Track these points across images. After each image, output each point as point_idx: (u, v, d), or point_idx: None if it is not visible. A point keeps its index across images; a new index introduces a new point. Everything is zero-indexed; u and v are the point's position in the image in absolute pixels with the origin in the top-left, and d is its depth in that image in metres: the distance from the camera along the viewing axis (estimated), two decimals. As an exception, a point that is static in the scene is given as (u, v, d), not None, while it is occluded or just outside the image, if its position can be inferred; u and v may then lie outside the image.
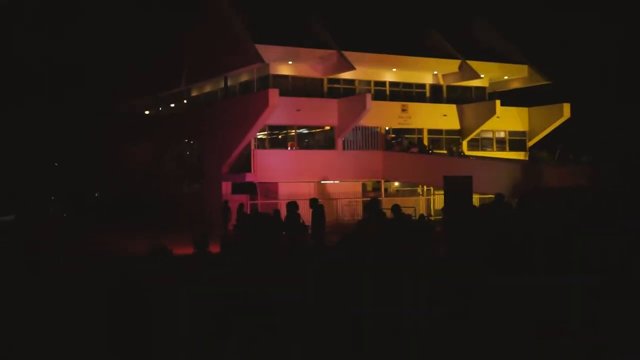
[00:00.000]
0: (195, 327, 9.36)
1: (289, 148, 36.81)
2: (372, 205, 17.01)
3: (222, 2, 37.02)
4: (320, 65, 37.62)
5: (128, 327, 8.21)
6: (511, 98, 44.04)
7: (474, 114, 40.98)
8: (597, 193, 16.61)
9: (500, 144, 43.31)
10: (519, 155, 41.77)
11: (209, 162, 37.87)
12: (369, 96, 35.74)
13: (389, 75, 40.76)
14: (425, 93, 42.45)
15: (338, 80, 38.87)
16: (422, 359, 9.79)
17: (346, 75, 38.19)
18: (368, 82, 40.03)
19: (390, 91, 40.96)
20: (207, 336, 9.43)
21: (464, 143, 41.35)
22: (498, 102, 40.00)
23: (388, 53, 38.77)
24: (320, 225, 18.87)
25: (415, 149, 37.61)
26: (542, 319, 10.89)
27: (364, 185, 38.90)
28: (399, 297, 11.69)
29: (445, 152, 38.84)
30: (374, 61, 38.45)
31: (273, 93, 33.04)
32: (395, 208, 16.79)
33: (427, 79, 42.38)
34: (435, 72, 42.09)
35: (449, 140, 40.36)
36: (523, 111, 43.71)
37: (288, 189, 34.71)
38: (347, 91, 38.68)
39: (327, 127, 37.61)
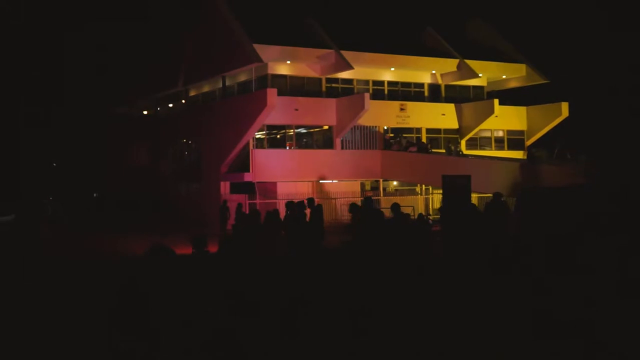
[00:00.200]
0: (195, 327, 9.34)
1: (287, 148, 36.80)
2: (365, 204, 17.01)
3: (220, 2, 37.00)
4: (318, 65, 37.62)
5: (129, 328, 8.19)
6: (509, 97, 44.09)
7: (473, 113, 40.99)
8: (596, 192, 16.59)
9: (499, 143, 43.31)
10: (518, 155, 41.75)
11: (208, 162, 37.87)
12: (367, 96, 35.72)
13: (387, 75, 40.77)
14: (423, 92, 42.47)
15: (336, 80, 38.87)
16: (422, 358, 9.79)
17: (344, 74, 38.19)
18: (366, 82, 40.03)
19: (388, 90, 40.97)
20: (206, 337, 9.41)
21: (463, 142, 41.36)
22: (496, 101, 40.01)
23: (386, 52, 38.79)
24: (319, 225, 18.85)
25: (413, 148, 37.61)
26: (541, 319, 10.88)
27: (362, 185, 38.91)
28: (398, 296, 11.69)
29: (443, 151, 38.85)
30: (372, 61, 38.45)
31: (271, 93, 33.03)
32: (395, 207, 16.79)
33: (426, 78, 42.39)
34: (434, 72, 42.10)
35: (447, 139, 40.34)
36: (521, 110, 43.72)
37: (286, 189, 34.71)
38: (345, 91, 38.68)
39: (326, 127, 37.61)
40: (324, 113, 36.89)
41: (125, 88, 48.05)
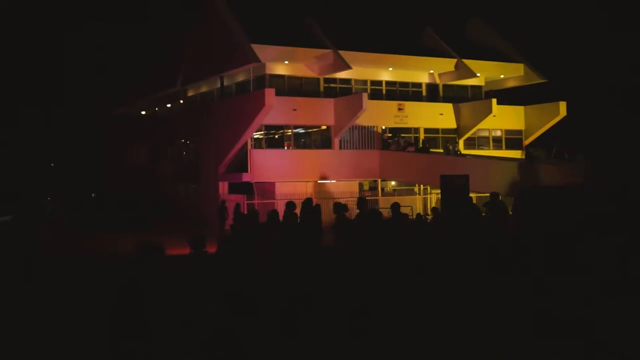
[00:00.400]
0: (194, 327, 9.33)
1: (285, 148, 36.78)
2: (360, 204, 17.04)
3: (218, 2, 36.98)
4: (316, 65, 37.60)
5: (129, 327, 8.18)
6: (507, 97, 44.09)
7: (471, 113, 41.00)
8: (595, 192, 16.60)
9: (497, 142, 43.33)
10: (516, 154, 41.77)
11: (206, 162, 37.85)
12: (365, 95, 35.71)
13: (385, 75, 40.76)
14: (421, 92, 42.47)
15: (334, 80, 38.86)
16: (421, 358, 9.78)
17: (342, 74, 38.16)
18: (364, 82, 40.02)
19: (386, 90, 40.96)
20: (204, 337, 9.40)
21: (461, 142, 41.36)
22: (494, 100, 40.00)
23: (384, 52, 38.78)
24: (317, 225, 18.81)
25: (412, 148, 37.60)
26: (541, 319, 10.87)
27: (360, 185, 38.90)
28: (398, 296, 11.68)
29: (441, 151, 38.85)
30: (370, 60, 38.44)
31: (269, 93, 33.01)
32: (395, 206, 16.78)
33: (424, 78, 42.39)
34: (432, 71, 42.09)
35: (445, 139, 40.34)
36: (519, 110, 43.73)
37: (285, 189, 34.69)
38: (343, 91, 38.67)
39: (324, 127, 37.60)
40: (322, 113, 36.87)
41: (125, 88, 48.01)
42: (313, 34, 37.50)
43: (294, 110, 35.93)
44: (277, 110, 33.90)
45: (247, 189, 34.70)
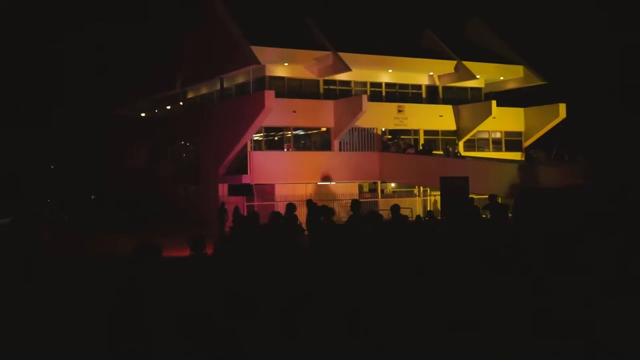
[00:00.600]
0: (194, 327, 9.32)
1: (285, 150, 36.79)
2: (353, 206, 17.08)
3: (218, 4, 37.00)
4: (316, 67, 37.62)
5: (129, 327, 8.18)
6: (507, 98, 44.12)
7: (470, 115, 41.02)
8: (595, 192, 16.61)
9: (497, 144, 43.34)
10: (515, 156, 41.79)
11: (206, 164, 37.85)
12: (365, 97, 35.74)
13: (385, 77, 40.79)
14: (421, 94, 42.50)
15: (334, 82, 38.88)
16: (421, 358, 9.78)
17: (342, 76, 38.20)
18: (364, 84, 40.04)
19: (386, 92, 40.99)
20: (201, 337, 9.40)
21: (460, 144, 41.37)
22: (494, 102, 40.04)
23: (384, 54, 38.81)
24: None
25: (411, 150, 37.61)
26: (541, 319, 10.87)
27: (360, 187, 38.90)
28: (398, 296, 11.67)
29: (441, 152, 38.86)
30: (369, 62, 38.47)
31: (269, 95, 33.03)
32: (395, 208, 16.77)
33: (423, 80, 42.41)
34: (431, 73, 42.12)
35: (445, 141, 40.36)
36: (519, 111, 43.76)
37: (285, 191, 34.69)
38: (343, 92, 38.70)
39: (324, 129, 37.60)
40: (321, 115, 36.89)
41: (125, 88, 48.02)
42: (313, 35, 37.53)
43: (294, 112, 35.95)
44: (276, 112, 33.91)
45: (246, 190, 34.68)
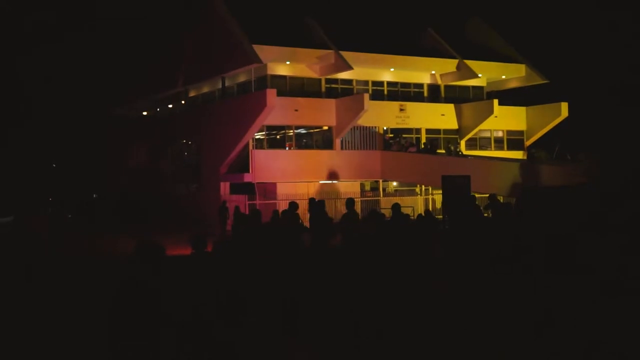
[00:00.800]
0: (194, 327, 9.33)
1: (287, 148, 36.79)
2: (348, 204, 17.11)
3: (218, 3, 37.00)
4: (317, 66, 37.61)
5: (128, 327, 8.18)
6: (509, 97, 44.07)
7: (472, 114, 40.99)
8: (597, 191, 16.60)
9: (499, 143, 43.31)
10: (517, 155, 41.78)
11: (207, 162, 37.87)
12: (366, 96, 35.72)
13: (387, 75, 40.76)
14: (423, 93, 42.46)
15: (336, 80, 38.87)
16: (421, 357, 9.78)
17: (344, 75, 38.18)
18: (366, 82, 40.02)
19: (388, 91, 40.96)
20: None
21: (462, 142, 41.35)
22: (496, 101, 39.99)
23: (386, 53, 38.79)
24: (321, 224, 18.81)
25: (413, 149, 37.60)
26: (542, 318, 10.88)
27: (362, 185, 38.90)
28: (398, 295, 11.68)
29: (443, 151, 38.84)
30: (371, 61, 38.45)
31: (271, 93, 33.03)
32: (395, 207, 16.80)
33: (425, 78, 42.38)
34: (433, 72, 42.08)
35: (447, 139, 40.33)
36: (521, 110, 43.72)
37: (286, 189, 34.68)
38: (344, 91, 38.67)
39: (325, 127, 37.60)
40: (323, 113, 36.88)
41: (125, 88, 48.04)
42: (314, 34, 37.53)
43: (296, 110, 35.95)
44: (278, 110, 33.92)
45: (248, 189, 34.70)
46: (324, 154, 36.92)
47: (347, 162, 37.14)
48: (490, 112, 39.78)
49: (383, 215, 16.79)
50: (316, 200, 19.61)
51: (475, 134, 41.68)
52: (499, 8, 45.00)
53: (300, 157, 36.41)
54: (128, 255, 9.00)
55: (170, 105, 46.31)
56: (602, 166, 24.99)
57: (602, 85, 46.10)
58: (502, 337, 10.41)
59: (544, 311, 11.18)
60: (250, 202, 33.37)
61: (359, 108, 35.48)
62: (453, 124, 41.42)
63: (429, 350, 10.00)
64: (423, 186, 39.04)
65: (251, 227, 17.68)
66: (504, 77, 44.69)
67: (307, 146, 37.89)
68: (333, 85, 38.84)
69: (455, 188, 22.91)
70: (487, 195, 22.78)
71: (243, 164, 35.36)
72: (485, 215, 21.04)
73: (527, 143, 43.47)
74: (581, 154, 32.31)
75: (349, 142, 37.88)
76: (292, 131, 36.91)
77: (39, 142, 54.20)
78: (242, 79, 38.20)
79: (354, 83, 39.49)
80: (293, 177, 35.51)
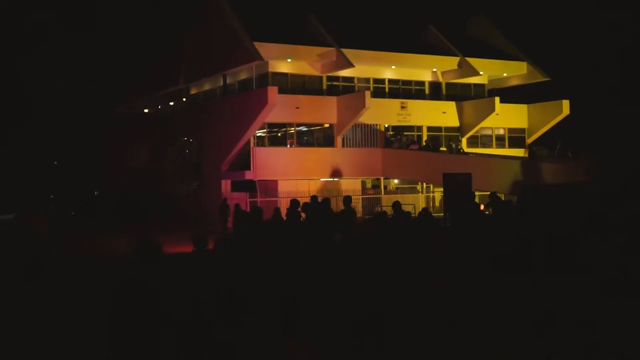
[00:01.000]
0: (193, 326, 9.34)
1: (288, 146, 36.79)
2: (345, 201, 17.15)
3: (221, 0, 36.96)
4: (319, 63, 37.60)
5: (128, 327, 8.19)
6: (510, 95, 44.03)
7: (473, 111, 40.96)
8: (598, 190, 16.59)
9: (500, 141, 43.29)
10: (519, 152, 41.77)
11: (209, 160, 37.87)
12: (368, 94, 35.73)
13: (388, 73, 40.73)
14: (424, 90, 42.43)
15: (337, 78, 38.85)
16: (421, 357, 9.79)
17: (345, 72, 38.15)
18: (367, 80, 40.01)
19: (389, 88, 40.94)
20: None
21: (464, 140, 41.33)
22: (497, 99, 39.96)
23: (387, 50, 38.77)
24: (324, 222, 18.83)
25: (415, 146, 37.59)
26: (542, 318, 10.88)
27: (363, 183, 38.91)
28: (399, 294, 11.68)
29: (444, 149, 38.82)
30: (372, 58, 38.43)
31: (272, 91, 33.03)
32: (396, 204, 16.83)
33: (426, 76, 42.33)
34: (434, 70, 42.05)
35: (448, 137, 40.32)
36: (522, 108, 43.67)
37: (287, 187, 34.70)
38: (346, 89, 38.67)
39: (326, 125, 37.60)
40: (324, 111, 36.88)
41: (126, 87, 48.03)
42: (315, 32, 37.51)
43: (297, 108, 35.95)
44: (279, 108, 33.92)
45: (249, 186, 34.72)
46: (325, 152, 36.93)
47: (348, 160, 37.15)
48: (492, 109, 39.74)
49: (385, 212, 16.84)
50: (318, 198, 19.65)
51: (477, 131, 41.65)
52: (500, 6, 44.97)
53: (301, 155, 36.41)
54: (128, 255, 9.01)
55: (171, 103, 46.30)
56: (602, 166, 24.96)
57: (604, 83, 46.03)
58: (502, 337, 10.41)
59: (544, 311, 11.18)
60: (252, 199, 33.39)
61: (360, 105, 35.48)
62: (454, 122, 41.39)
63: (428, 349, 10.00)
64: (424, 184, 39.05)
65: (252, 224, 17.69)
66: (505, 74, 44.63)
67: (308, 144, 37.89)
68: (334, 83, 38.83)
69: (457, 186, 22.89)
70: (489, 192, 22.79)
71: (244, 161, 35.37)
72: (487, 212, 21.05)
73: (529, 141, 43.44)
74: (582, 154, 32.29)
75: (350, 139, 37.88)
76: (293, 129, 36.92)
77: (39, 142, 54.18)
78: (243, 76, 38.19)
79: (355, 80, 39.48)
80: (294, 175, 35.53)
